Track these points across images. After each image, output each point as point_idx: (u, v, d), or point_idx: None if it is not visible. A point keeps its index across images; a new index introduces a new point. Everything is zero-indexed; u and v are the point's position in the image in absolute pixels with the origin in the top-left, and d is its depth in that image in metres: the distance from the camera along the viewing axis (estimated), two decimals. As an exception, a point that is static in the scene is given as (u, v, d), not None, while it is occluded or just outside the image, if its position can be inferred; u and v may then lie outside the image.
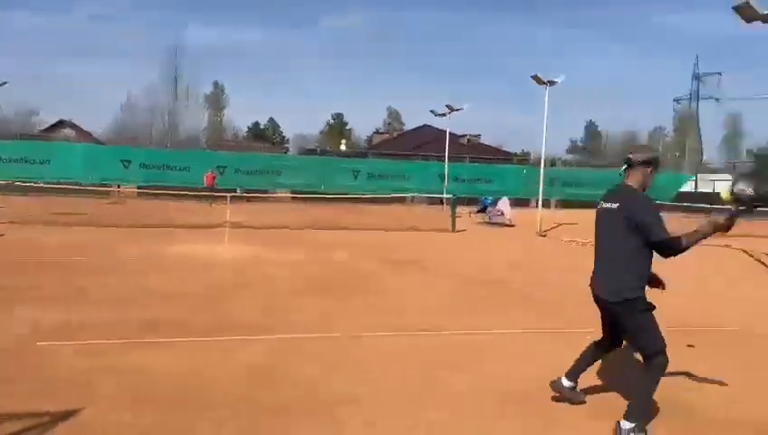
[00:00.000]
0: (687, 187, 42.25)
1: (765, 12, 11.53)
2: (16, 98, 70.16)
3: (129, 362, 4.92)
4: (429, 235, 17.44)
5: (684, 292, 9.46)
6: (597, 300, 3.99)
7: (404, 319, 6.86)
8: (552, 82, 19.77)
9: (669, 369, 3.89)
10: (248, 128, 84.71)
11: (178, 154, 35.56)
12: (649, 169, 3.80)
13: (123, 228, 15.56)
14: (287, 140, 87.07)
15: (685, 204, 24.85)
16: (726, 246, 16.20)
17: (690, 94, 75.19)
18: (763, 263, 12.91)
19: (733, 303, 8.74)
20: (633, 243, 3.68)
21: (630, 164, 3.85)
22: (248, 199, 26.98)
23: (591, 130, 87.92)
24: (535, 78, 19.96)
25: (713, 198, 37.70)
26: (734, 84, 79.56)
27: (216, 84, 73.02)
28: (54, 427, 3.59)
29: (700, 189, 42.05)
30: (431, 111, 31.72)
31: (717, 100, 71.51)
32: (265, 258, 11.24)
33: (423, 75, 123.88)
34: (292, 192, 32.76)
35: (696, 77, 74.39)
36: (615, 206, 3.78)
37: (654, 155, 3.92)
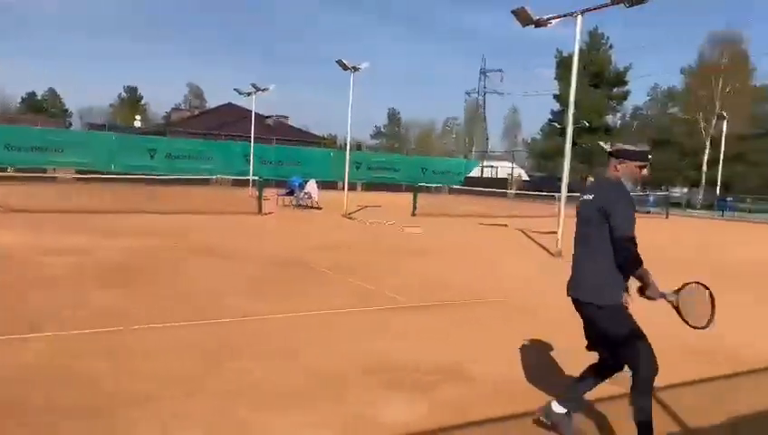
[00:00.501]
0: (475, 172, 46.79)
1: (537, 17, 12.96)
2: None
3: None
4: (235, 218, 16.85)
5: (461, 267, 10.34)
6: (576, 304, 3.57)
7: (203, 307, 6.47)
8: (356, 68, 20.23)
9: (456, 341, 4.00)
10: (22, 98, 74.73)
11: (-74, 125, 29.88)
12: (618, 161, 3.51)
13: None
14: (70, 113, 78.47)
15: (475, 188, 27.28)
16: (503, 225, 18.17)
17: (478, 88, 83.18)
18: (534, 240, 14.70)
19: (503, 277, 9.79)
20: (606, 236, 3.35)
21: (607, 157, 3.64)
22: (21, 179, 23.61)
23: (394, 117, 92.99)
24: (340, 63, 20.25)
25: (498, 182, 42.11)
26: (514, 81, 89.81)
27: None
28: None
29: (485, 174, 47.04)
30: (235, 90, 30.48)
31: (500, 94, 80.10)
32: (42, 247, 9.85)
33: (228, 52, 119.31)
34: (77, 172, 29.32)
35: (483, 72, 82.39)
36: (590, 197, 3.49)
37: (618, 147, 3.58)
